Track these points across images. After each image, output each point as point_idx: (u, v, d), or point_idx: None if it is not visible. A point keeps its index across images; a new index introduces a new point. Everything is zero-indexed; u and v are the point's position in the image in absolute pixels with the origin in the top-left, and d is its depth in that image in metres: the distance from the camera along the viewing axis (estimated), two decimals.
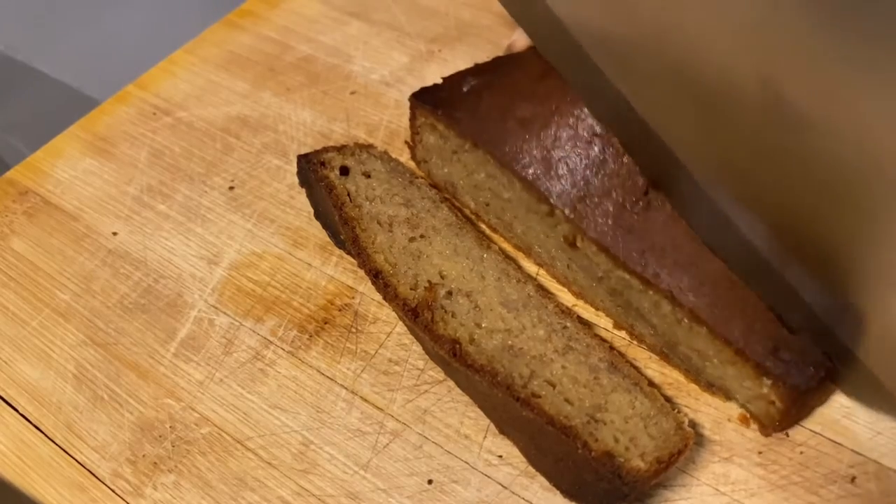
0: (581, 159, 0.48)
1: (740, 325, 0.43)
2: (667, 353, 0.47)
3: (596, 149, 0.48)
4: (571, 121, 0.49)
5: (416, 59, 0.68)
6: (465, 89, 0.54)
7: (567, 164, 0.48)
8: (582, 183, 0.48)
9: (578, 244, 0.48)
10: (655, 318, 0.46)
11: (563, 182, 0.48)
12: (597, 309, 0.50)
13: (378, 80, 0.67)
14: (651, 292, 0.46)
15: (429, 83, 0.66)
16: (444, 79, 0.57)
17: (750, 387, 0.43)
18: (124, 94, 0.68)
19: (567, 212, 0.47)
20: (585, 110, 0.49)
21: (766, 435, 0.44)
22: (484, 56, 0.61)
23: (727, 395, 0.45)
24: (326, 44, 0.70)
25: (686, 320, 0.45)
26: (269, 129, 0.64)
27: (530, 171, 0.49)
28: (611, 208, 0.47)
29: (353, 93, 0.66)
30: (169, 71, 0.70)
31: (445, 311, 0.45)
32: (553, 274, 0.52)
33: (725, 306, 0.43)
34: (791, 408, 0.42)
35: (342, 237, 0.51)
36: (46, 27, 0.87)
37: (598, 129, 0.48)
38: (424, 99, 0.55)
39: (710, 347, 0.44)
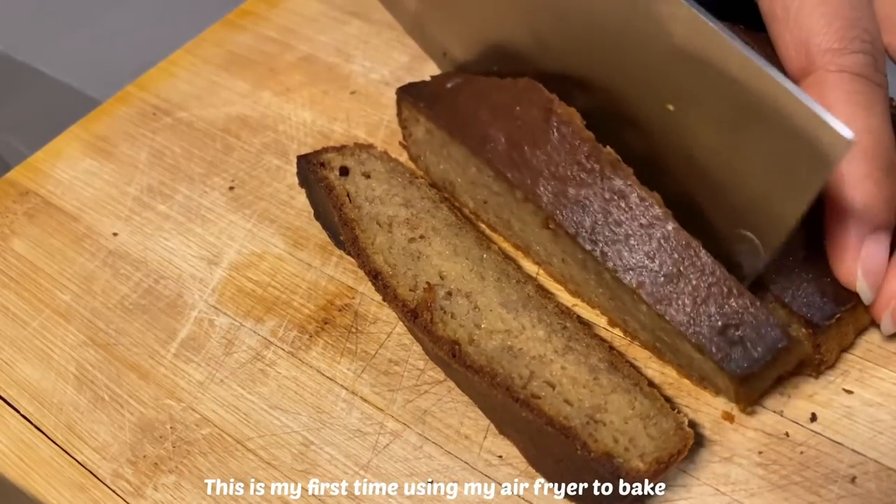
0: (537, 137, 0.48)
1: (688, 301, 0.42)
2: (659, 349, 0.47)
3: (554, 126, 0.48)
4: (533, 100, 0.49)
5: (416, 58, 0.68)
6: (449, 85, 0.55)
7: (528, 145, 0.48)
8: (541, 161, 0.47)
9: (551, 226, 0.48)
10: (629, 304, 0.46)
11: (525, 163, 0.48)
12: (593, 306, 0.50)
13: (378, 80, 0.67)
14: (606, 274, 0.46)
15: None
16: (433, 77, 0.57)
17: (709, 364, 0.43)
18: (124, 95, 0.68)
19: (529, 193, 0.47)
20: (544, 90, 0.49)
21: (743, 412, 0.44)
22: None
23: (716, 389, 0.45)
24: (326, 44, 0.70)
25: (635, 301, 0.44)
26: (269, 129, 0.64)
27: (497, 155, 0.49)
28: (567, 184, 0.46)
29: (353, 93, 0.66)
30: (169, 71, 0.70)
31: (445, 312, 0.45)
32: (550, 272, 0.52)
33: (674, 279, 0.43)
34: (740, 388, 0.42)
35: (342, 238, 0.51)
36: (47, 27, 0.87)
37: (553, 105, 0.48)
38: (408, 92, 0.56)
39: (665, 329, 0.44)
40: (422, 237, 0.49)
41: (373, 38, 0.70)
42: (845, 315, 0.44)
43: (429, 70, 0.67)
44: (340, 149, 0.55)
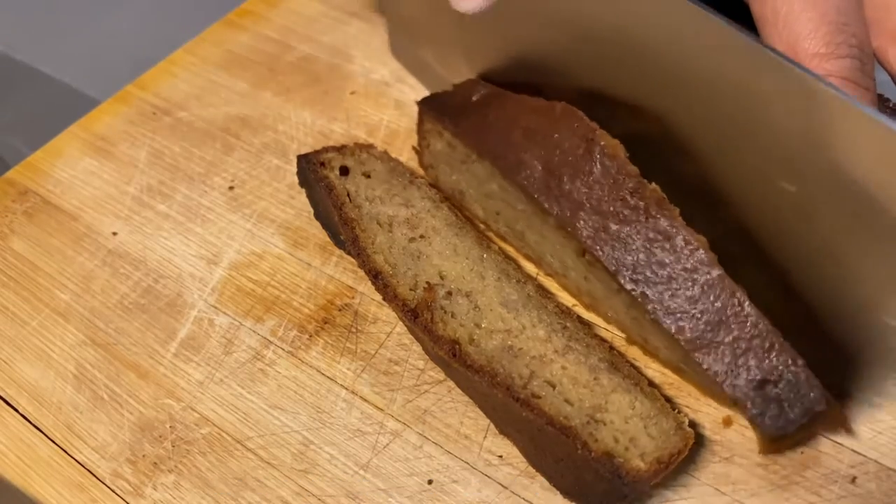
0: (577, 168, 0.46)
1: (728, 351, 0.41)
2: (682, 369, 0.46)
3: (596, 158, 0.46)
4: (574, 128, 0.47)
5: None
6: (474, 98, 0.53)
7: (568, 175, 0.47)
8: (581, 194, 0.46)
9: (588, 257, 0.47)
10: (664, 337, 0.45)
11: (564, 194, 0.46)
12: (608, 322, 0.49)
13: (378, 80, 0.67)
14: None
15: None
16: (455, 86, 0.56)
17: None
18: (124, 94, 0.68)
19: (567, 225, 0.46)
20: (585, 118, 0.48)
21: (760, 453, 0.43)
22: None
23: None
24: (326, 44, 0.70)
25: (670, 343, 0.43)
26: (269, 129, 0.64)
27: (532, 182, 0.48)
28: (609, 220, 0.45)
29: (353, 93, 0.66)
30: (169, 71, 0.70)
31: (445, 312, 0.45)
32: (564, 284, 0.51)
33: (715, 328, 0.42)
34: (769, 444, 0.41)
35: (342, 237, 0.51)
36: (46, 27, 0.87)
37: (596, 136, 0.46)
38: (432, 106, 0.55)
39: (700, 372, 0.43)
40: (422, 237, 0.49)
41: (373, 38, 0.70)
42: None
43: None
44: (340, 148, 0.55)
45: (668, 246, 0.43)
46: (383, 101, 0.65)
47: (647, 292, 0.43)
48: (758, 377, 0.40)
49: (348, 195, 0.52)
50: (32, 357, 0.52)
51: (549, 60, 0.51)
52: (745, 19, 0.47)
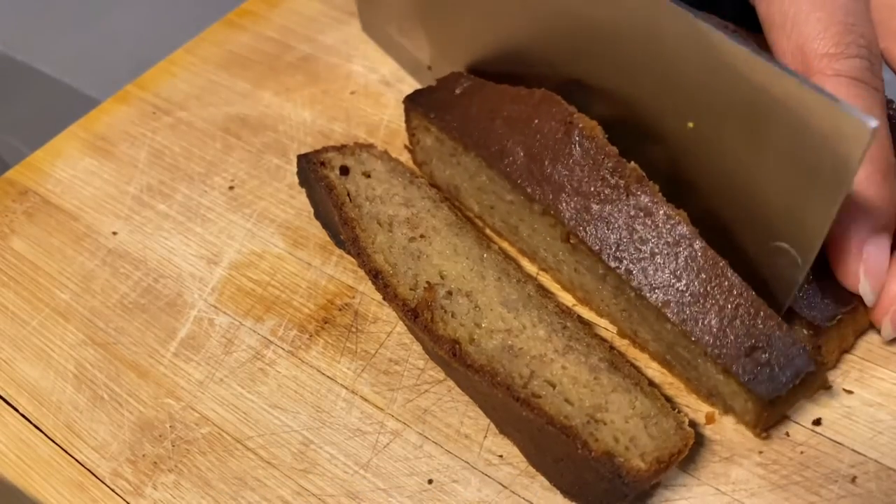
0: (557, 151, 0.47)
1: (715, 321, 0.42)
2: (669, 361, 0.46)
3: (576, 140, 0.47)
4: (552, 112, 0.48)
5: None
6: (457, 91, 0.54)
7: (549, 159, 0.47)
8: (563, 176, 0.47)
9: (572, 241, 0.48)
10: (652, 320, 0.46)
11: (546, 178, 0.47)
12: (601, 315, 0.50)
13: (378, 79, 0.67)
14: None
15: (429, 82, 0.65)
16: (439, 80, 0.56)
17: (731, 385, 0.43)
18: (124, 94, 0.68)
19: (550, 208, 0.47)
20: (563, 102, 0.49)
21: (757, 436, 0.44)
22: None
23: (724, 408, 0.45)
24: (326, 43, 0.70)
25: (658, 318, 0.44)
26: (269, 129, 0.64)
27: (515, 169, 0.49)
28: (590, 200, 0.46)
29: (353, 93, 0.66)
30: (169, 71, 0.70)
31: (445, 312, 0.45)
32: (558, 279, 0.52)
33: (700, 298, 0.42)
34: (764, 411, 0.42)
35: (342, 237, 0.51)
36: (47, 27, 0.87)
37: (574, 119, 0.47)
38: (418, 101, 0.55)
39: (689, 347, 0.44)
40: (422, 236, 0.49)
41: None
42: (846, 317, 0.44)
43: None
44: (340, 148, 0.55)
45: (649, 222, 0.44)
46: (383, 101, 0.65)
47: (632, 268, 0.44)
48: (747, 343, 0.41)
49: (348, 195, 0.52)
50: (33, 357, 0.52)
51: (522, 49, 0.53)
52: (749, 20, 0.47)
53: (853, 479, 0.42)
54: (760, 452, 0.43)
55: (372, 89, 0.66)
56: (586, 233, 0.45)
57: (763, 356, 0.41)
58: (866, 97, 0.41)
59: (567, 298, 0.51)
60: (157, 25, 0.84)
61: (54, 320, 0.53)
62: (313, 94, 0.66)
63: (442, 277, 0.47)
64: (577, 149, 0.47)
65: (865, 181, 0.41)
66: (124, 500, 0.45)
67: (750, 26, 0.49)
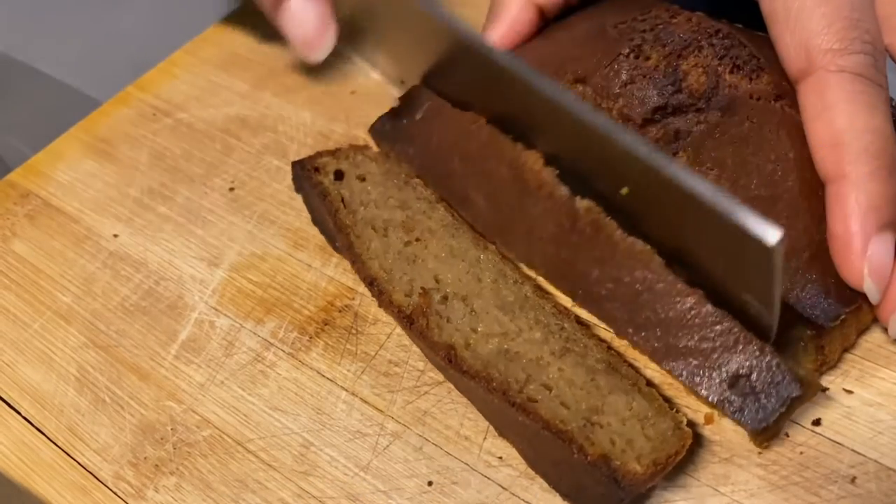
0: (512, 199, 0.46)
1: (695, 354, 0.41)
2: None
3: (527, 188, 0.46)
4: (501, 155, 0.47)
5: None
6: (418, 117, 0.54)
7: (505, 209, 0.47)
8: (522, 226, 0.46)
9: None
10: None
11: (507, 228, 0.47)
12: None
13: (378, 79, 0.66)
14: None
15: None
16: (401, 98, 0.56)
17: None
18: (125, 96, 0.68)
19: (519, 257, 0.47)
20: (508, 141, 0.47)
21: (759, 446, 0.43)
22: None
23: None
24: None
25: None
26: (269, 130, 0.64)
27: (480, 220, 0.48)
28: (558, 248, 0.45)
29: (353, 93, 0.66)
30: (169, 72, 0.70)
31: (441, 317, 0.45)
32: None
33: (678, 332, 0.42)
34: (756, 436, 0.42)
35: (337, 244, 0.51)
36: (47, 27, 0.87)
37: (522, 162, 0.46)
38: (381, 133, 0.55)
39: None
40: (417, 240, 0.49)
41: None
42: (849, 316, 0.44)
43: None
44: (335, 152, 0.55)
45: (616, 259, 0.44)
46: (383, 101, 0.64)
47: (609, 307, 0.44)
48: (730, 374, 0.41)
49: (343, 201, 0.51)
50: (34, 360, 0.52)
51: (456, 81, 0.51)
52: (753, 17, 0.47)
53: (853, 480, 0.41)
54: (760, 453, 0.43)
55: (372, 89, 0.66)
56: (558, 284, 0.46)
57: (747, 385, 0.40)
58: (870, 92, 0.41)
59: (566, 300, 0.51)
60: (157, 25, 0.84)
61: (56, 323, 0.54)
62: (313, 94, 0.66)
63: (437, 282, 0.47)
64: (530, 199, 0.46)
65: (869, 178, 0.41)
66: (126, 502, 0.45)
67: (750, 22, 0.48)
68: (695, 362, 0.42)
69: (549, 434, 0.40)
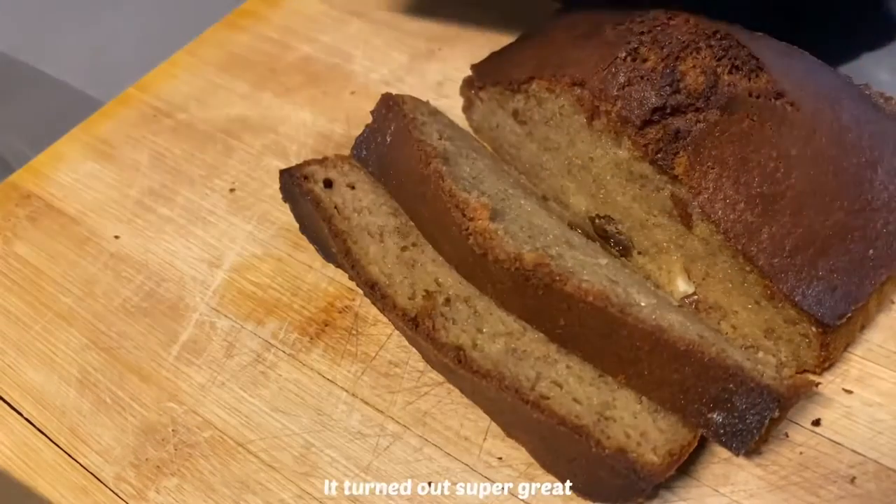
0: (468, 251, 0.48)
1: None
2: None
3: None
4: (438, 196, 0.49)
5: (416, 57, 0.68)
6: (388, 140, 0.55)
7: (463, 252, 0.48)
8: (482, 276, 0.47)
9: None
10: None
11: (471, 274, 0.48)
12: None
13: (378, 79, 0.67)
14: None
15: (428, 82, 0.66)
16: (373, 112, 0.56)
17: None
18: (125, 97, 0.68)
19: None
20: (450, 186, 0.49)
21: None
22: (483, 54, 0.61)
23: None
24: (326, 43, 0.70)
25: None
26: (270, 131, 0.64)
27: (444, 254, 0.50)
28: (514, 296, 0.46)
29: (353, 93, 0.66)
30: (170, 73, 0.70)
31: (446, 319, 0.45)
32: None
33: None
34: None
35: (333, 250, 0.51)
36: (48, 28, 0.87)
37: (459, 205, 0.48)
38: (360, 158, 0.56)
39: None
40: (414, 245, 0.50)
41: (373, 37, 0.70)
42: (855, 313, 0.44)
43: (429, 69, 0.67)
44: (322, 161, 0.55)
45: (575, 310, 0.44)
46: None
47: (586, 348, 0.44)
48: (709, 399, 0.40)
49: (336, 208, 0.52)
50: (37, 361, 0.52)
51: None
52: (771, 23, 0.47)
53: (852, 480, 0.42)
54: (760, 453, 0.43)
55: (372, 89, 0.66)
56: (534, 326, 0.46)
57: (727, 406, 0.40)
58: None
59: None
60: (157, 26, 0.84)
61: (58, 325, 0.54)
62: (313, 94, 0.66)
63: (438, 284, 0.47)
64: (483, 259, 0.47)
65: None
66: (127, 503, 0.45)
67: (771, 29, 0.48)
68: (670, 394, 0.42)
69: (564, 430, 0.40)
